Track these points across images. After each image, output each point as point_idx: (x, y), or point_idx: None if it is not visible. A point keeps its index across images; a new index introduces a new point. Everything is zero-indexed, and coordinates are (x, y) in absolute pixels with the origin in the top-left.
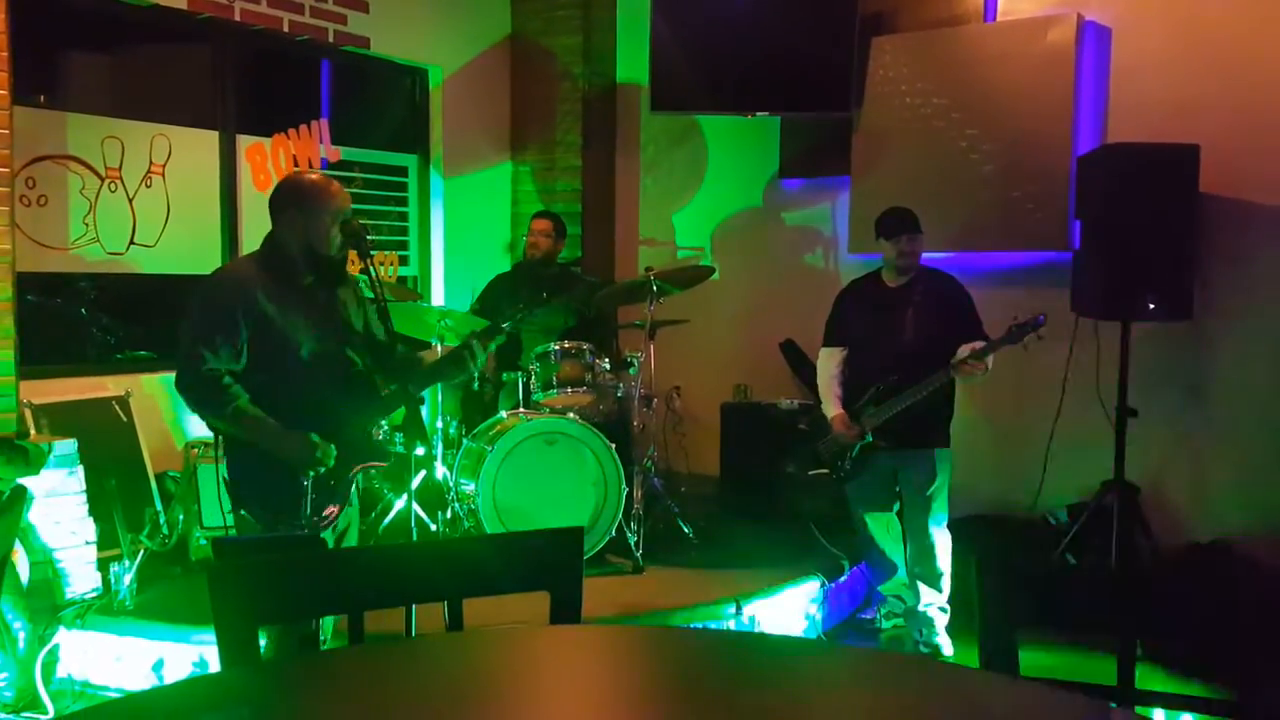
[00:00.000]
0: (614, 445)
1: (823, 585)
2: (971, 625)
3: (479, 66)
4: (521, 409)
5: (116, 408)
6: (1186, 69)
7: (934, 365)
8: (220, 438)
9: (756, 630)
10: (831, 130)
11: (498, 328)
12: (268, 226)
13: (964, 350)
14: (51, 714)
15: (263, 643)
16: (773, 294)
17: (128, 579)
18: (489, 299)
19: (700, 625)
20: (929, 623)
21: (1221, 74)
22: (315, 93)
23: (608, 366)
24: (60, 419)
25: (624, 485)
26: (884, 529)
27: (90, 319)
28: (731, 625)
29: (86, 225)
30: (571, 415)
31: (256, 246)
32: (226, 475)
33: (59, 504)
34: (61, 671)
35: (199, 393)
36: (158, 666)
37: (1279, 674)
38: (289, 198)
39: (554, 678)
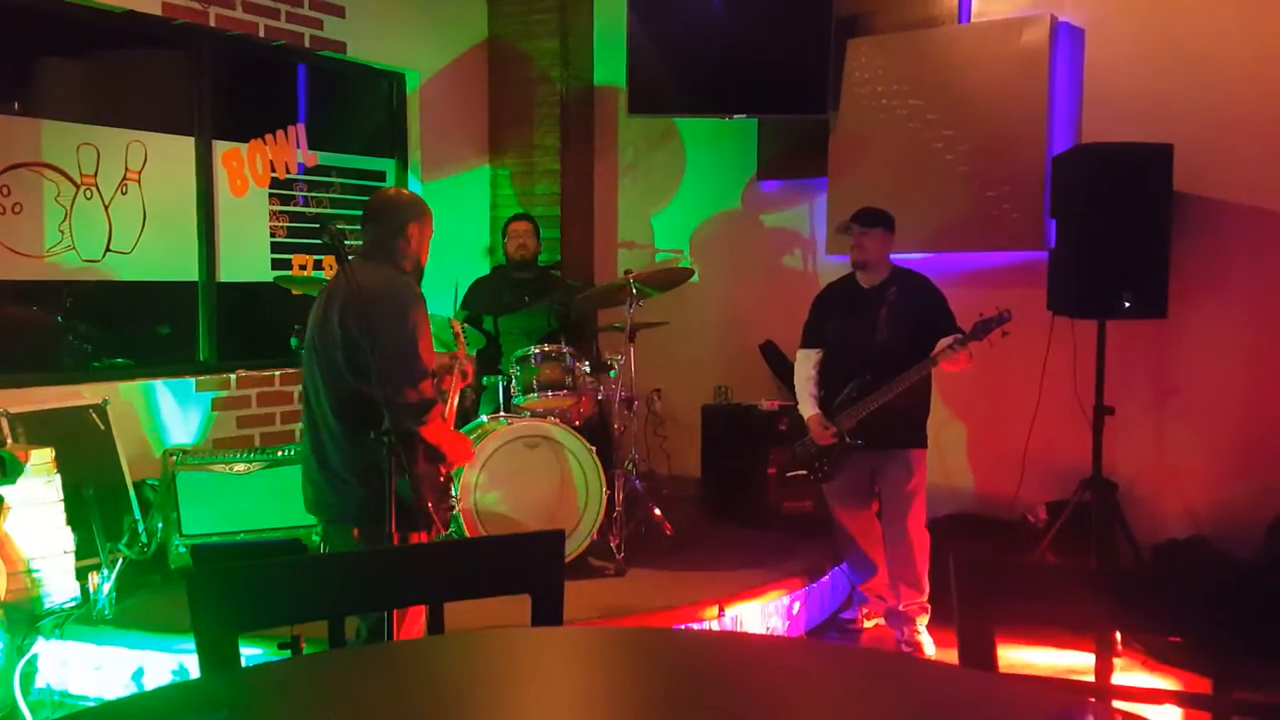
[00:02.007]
0: (595, 448)
1: (804, 585)
2: (952, 624)
3: (456, 70)
4: (502, 413)
5: (94, 416)
6: (1160, 69)
7: (908, 364)
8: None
9: (739, 631)
10: (809, 132)
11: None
12: (245, 232)
13: (942, 343)
14: None
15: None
16: (752, 296)
17: (107, 588)
18: (473, 302)
19: (682, 627)
20: (910, 622)
21: (1195, 74)
22: (292, 98)
23: (588, 369)
24: (37, 428)
25: (605, 488)
26: (863, 529)
27: (66, 327)
28: (714, 626)
29: (62, 233)
30: (552, 418)
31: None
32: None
33: (36, 513)
34: (40, 681)
35: (431, 404)
36: (137, 675)
37: (1255, 668)
38: (415, 211)
39: (536, 681)
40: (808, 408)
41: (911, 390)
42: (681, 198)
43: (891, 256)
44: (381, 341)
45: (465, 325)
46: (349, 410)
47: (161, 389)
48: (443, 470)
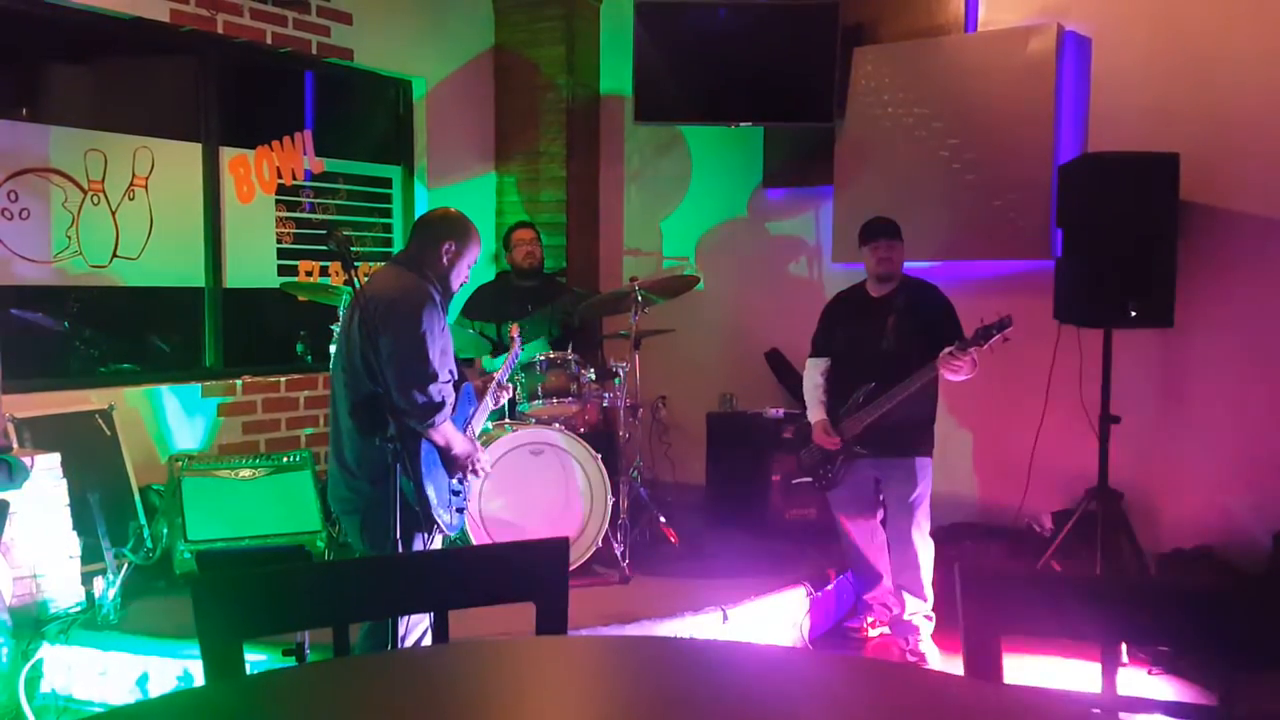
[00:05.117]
0: (600, 455)
1: (809, 594)
2: (957, 633)
3: (463, 78)
4: (507, 419)
5: (100, 421)
6: (1166, 78)
7: (914, 372)
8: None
9: (743, 639)
10: (814, 140)
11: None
12: (251, 239)
13: (944, 354)
14: None
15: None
16: (757, 303)
17: (111, 593)
18: (477, 310)
19: (687, 635)
20: (914, 631)
21: (1201, 83)
22: (299, 105)
23: (593, 376)
24: (44, 433)
25: (610, 495)
26: (868, 537)
27: (73, 332)
28: (718, 635)
29: (69, 238)
30: (557, 425)
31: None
32: (411, 483)
33: (42, 518)
34: (45, 687)
35: (438, 407)
36: (142, 681)
37: (1262, 680)
38: (456, 229)
39: (540, 689)
40: (816, 415)
41: (918, 398)
42: (687, 205)
43: None
44: (392, 343)
45: (477, 333)
46: (362, 411)
47: (167, 395)
48: (452, 475)
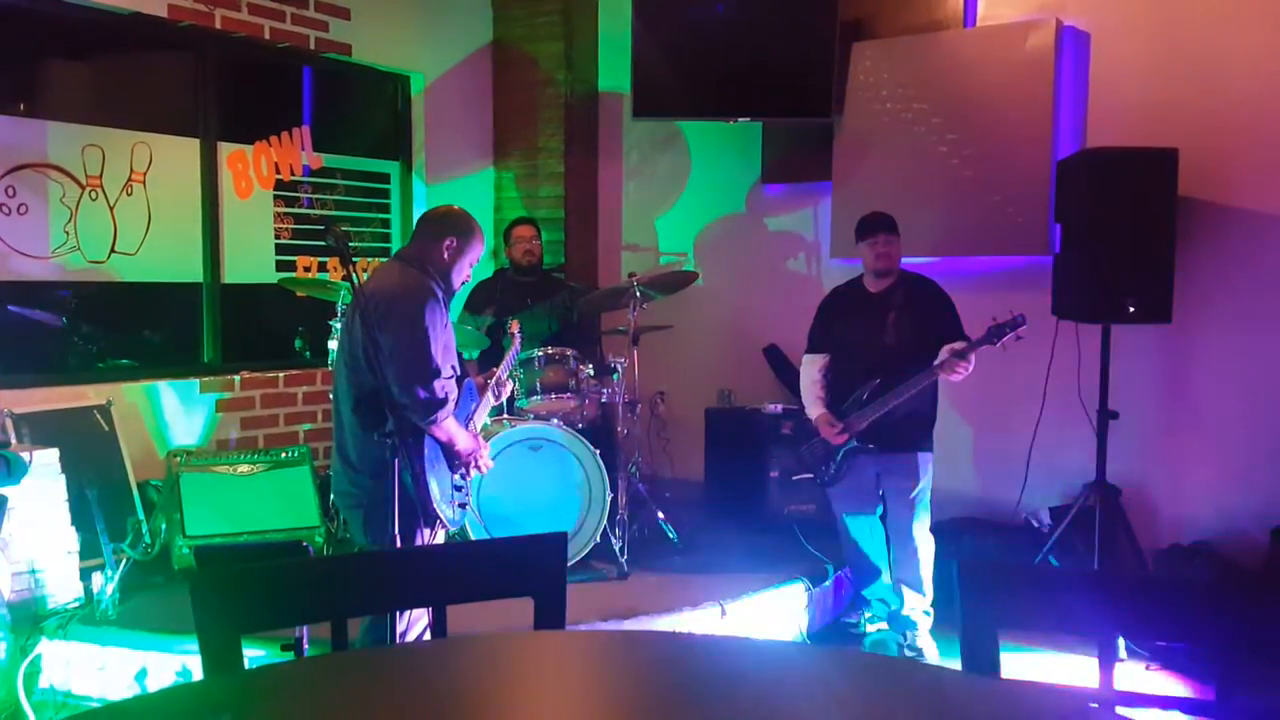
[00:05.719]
0: (598, 451)
1: (807, 589)
2: (955, 628)
3: (461, 73)
4: (505, 415)
5: (98, 417)
6: (1165, 74)
7: (916, 368)
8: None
9: (741, 635)
10: (813, 136)
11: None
12: (249, 234)
13: (944, 352)
14: None
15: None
16: (756, 299)
17: (110, 588)
18: (478, 307)
19: (685, 630)
20: (913, 626)
21: (1200, 78)
22: (297, 100)
23: (591, 372)
24: (42, 428)
25: (608, 491)
26: (867, 532)
27: (71, 328)
28: (717, 630)
29: (67, 234)
30: (556, 421)
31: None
32: (410, 479)
33: (41, 513)
34: (44, 682)
35: (440, 403)
36: (140, 676)
37: (1258, 675)
38: (458, 225)
39: (538, 684)
40: (814, 408)
41: (920, 394)
42: (686, 201)
43: None
44: (394, 340)
45: (473, 327)
46: (364, 406)
47: (165, 390)
48: (455, 470)
